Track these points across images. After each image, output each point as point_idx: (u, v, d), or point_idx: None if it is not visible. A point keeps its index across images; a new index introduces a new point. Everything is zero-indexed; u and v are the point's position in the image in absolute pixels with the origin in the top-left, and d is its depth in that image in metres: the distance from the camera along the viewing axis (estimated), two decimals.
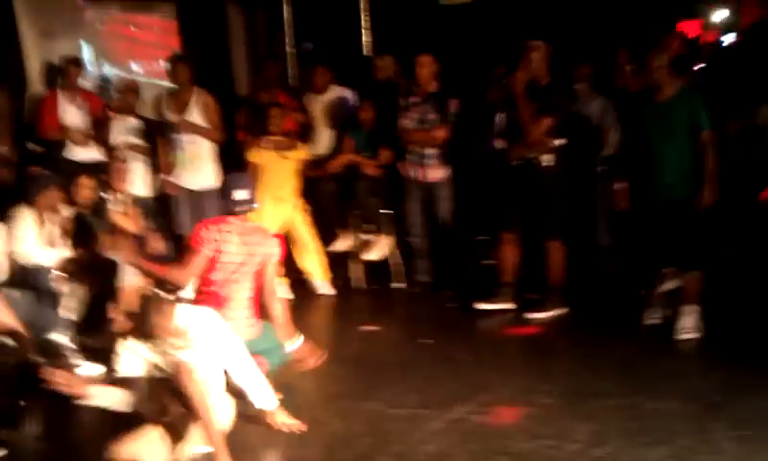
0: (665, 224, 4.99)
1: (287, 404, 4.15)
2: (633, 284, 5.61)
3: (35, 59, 7.47)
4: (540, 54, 5.36)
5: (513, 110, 5.42)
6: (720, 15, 11.22)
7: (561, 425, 3.90)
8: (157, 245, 6.02)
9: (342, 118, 6.95)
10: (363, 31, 8.50)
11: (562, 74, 5.61)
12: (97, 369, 5.03)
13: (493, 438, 3.83)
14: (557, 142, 5.42)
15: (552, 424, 3.93)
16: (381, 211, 6.57)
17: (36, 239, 5.21)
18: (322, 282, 6.56)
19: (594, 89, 6.44)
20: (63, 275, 5.25)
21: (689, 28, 9.06)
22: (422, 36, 7.52)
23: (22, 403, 4.14)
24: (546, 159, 5.41)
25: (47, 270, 5.12)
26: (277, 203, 6.41)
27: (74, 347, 5.11)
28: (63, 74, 6.63)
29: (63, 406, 4.15)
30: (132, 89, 6.83)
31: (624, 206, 5.38)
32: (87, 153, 6.50)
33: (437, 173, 6.24)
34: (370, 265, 6.64)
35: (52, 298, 5.07)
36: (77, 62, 6.75)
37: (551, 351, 5.08)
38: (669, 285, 5.15)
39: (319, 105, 7.05)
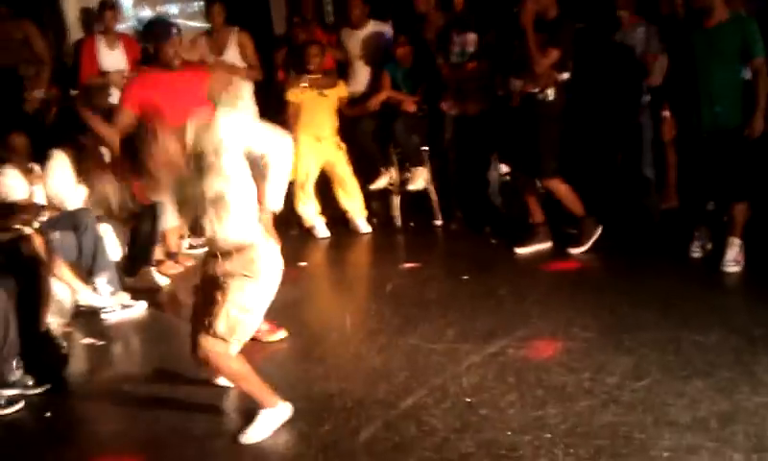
0: (712, 154, 4.86)
1: (328, 338, 4.21)
2: (677, 217, 5.51)
3: (73, 4, 7.52)
4: None
5: (521, 42, 5.29)
6: None
7: (599, 359, 3.89)
8: None
9: (379, 54, 6.86)
10: None
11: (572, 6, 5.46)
12: (140, 306, 5.18)
13: (531, 371, 3.83)
14: (562, 76, 5.30)
15: (590, 358, 3.91)
16: (420, 148, 6.52)
17: (71, 181, 5.31)
18: (360, 220, 6.58)
19: (638, 16, 6.23)
20: (103, 215, 5.36)
21: None
22: None
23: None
24: (548, 94, 5.30)
25: (87, 211, 5.22)
26: (317, 141, 6.42)
27: (117, 288, 5.24)
28: (101, 19, 6.65)
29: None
30: None
31: (671, 136, 5.25)
32: None
33: (476, 107, 6.17)
34: (408, 202, 6.61)
35: (94, 239, 5.17)
36: (113, 6, 6.76)
37: (591, 285, 5.03)
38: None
39: (356, 41, 6.96)
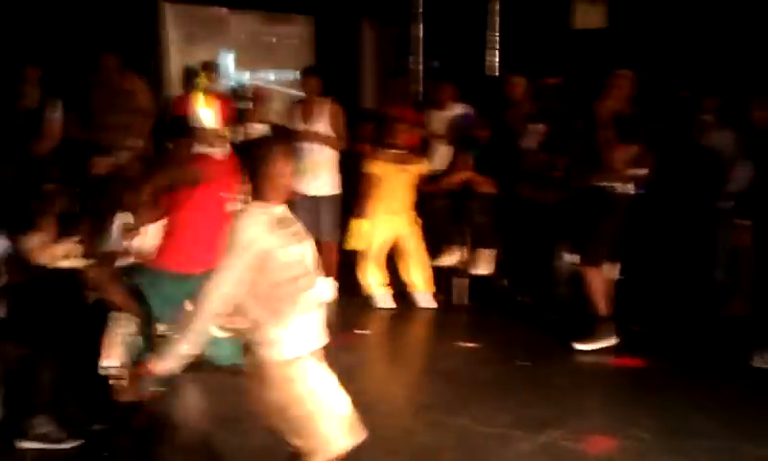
0: None
1: (377, 408, 4.23)
2: (746, 324, 5.37)
3: (177, 63, 7.96)
4: (627, 83, 5.27)
5: (591, 137, 5.33)
6: None
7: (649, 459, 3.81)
8: None
9: (461, 135, 6.99)
10: (490, 50, 8.55)
11: (654, 105, 5.49)
12: None
13: None
14: (639, 172, 5.29)
15: (645, 459, 3.83)
16: (492, 229, 6.57)
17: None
18: (425, 295, 6.63)
19: (722, 122, 6.22)
20: None
21: None
22: (551, 59, 7.47)
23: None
24: (621, 188, 5.29)
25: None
26: (391, 214, 6.55)
27: None
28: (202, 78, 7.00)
29: None
30: (263, 97, 7.12)
31: (746, 244, 5.16)
32: (220, 154, 6.82)
33: (550, 195, 6.21)
34: (473, 283, 6.64)
35: None
36: (215, 68, 7.11)
37: (653, 385, 4.92)
38: None
39: (440, 121, 7.13)
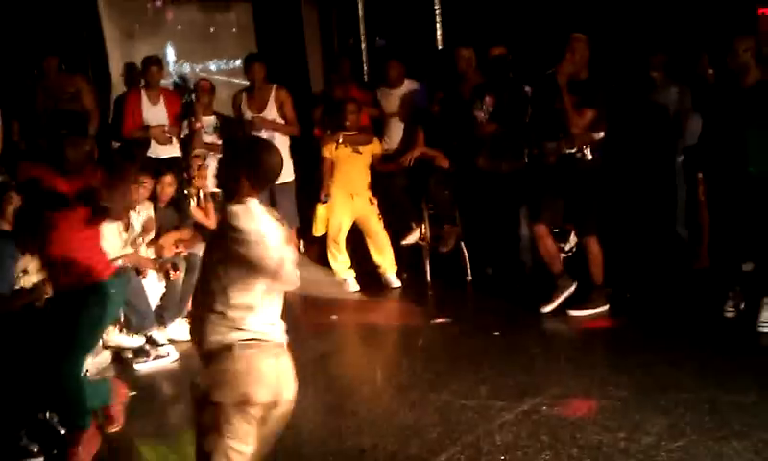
0: (747, 213, 4.85)
1: (359, 392, 4.20)
2: (710, 277, 5.48)
3: (117, 60, 7.75)
4: (582, 46, 5.29)
5: (554, 103, 5.34)
6: None
7: (635, 418, 3.85)
8: None
9: (413, 111, 6.97)
10: (437, 24, 8.50)
11: (607, 67, 5.51)
12: (173, 355, 5.27)
13: (565, 429, 3.81)
14: (598, 136, 5.32)
15: (626, 417, 3.88)
16: (453, 204, 6.58)
17: (116, 235, 5.41)
18: (391, 275, 6.62)
19: (670, 77, 6.30)
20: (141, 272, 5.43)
21: None
22: (494, 28, 7.45)
23: None
24: (586, 154, 5.32)
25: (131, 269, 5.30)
26: (350, 197, 6.52)
27: (163, 339, 5.33)
28: (145, 74, 6.83)
29: None
30: (207, 90, 6.99)
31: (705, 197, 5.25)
32: (168, 150, 6.70)
33: (509, 166, 6.22)
34: (439, 258, 6.65)
35: (135, 290, 5.26)
36: (158, 63, 6.95)
37: (625, 343, 5.00)
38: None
39: (392, 99, 7.08)
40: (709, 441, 3.57)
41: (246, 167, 2.75)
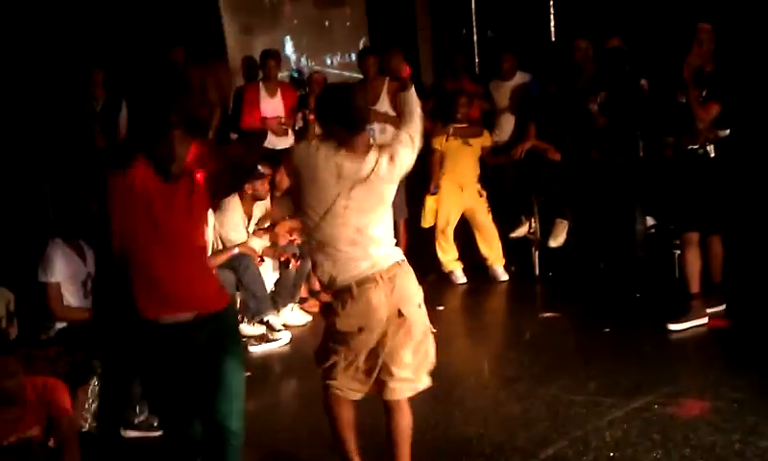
0: None
1: (466, 382, 4.23)
2: None
3: (236, 54, 8.03)
4: (708, 36, 5.07)
5: (675, 97, 5.13)
6: None
7: (750, 420, 3.75)
8: None
9: (526, 104, 6.93)
10: (551, 16, 8.41)
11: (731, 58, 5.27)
12: (285, 338, 5.44)
13: (677, 429, 3.74)
14: (723, 132, 5.08)
15: (741, 419, 3.78)
16: (563, 197, 6.51)
17: (241, 226, 5.64)
18: (499, 268, 6.61)
19: None
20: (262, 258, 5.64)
21: None
22: (609, 19, 7.30)
23: None
24: (710, 151, 5.07)
25: (251, 256, 5.52)
26: (459, 189, 6.55)
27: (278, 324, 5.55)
28: (263, 67, 7.05)
29: None
30: (320, 82, 7.16)
31: None
32: (284, 142, 6.90)
33: (621, 159, 6.10)
34: (550, 252, 6.59)
35: (257, 279, 5.47)
36: (276, 56, 7.16)
37: (741, 343, 4.84)
38: None
39: (504, 91, 7.07)
40: None
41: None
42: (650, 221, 6.31)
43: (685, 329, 5.05)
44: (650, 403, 4.03)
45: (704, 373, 4.42)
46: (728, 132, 5.10)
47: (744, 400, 3.98)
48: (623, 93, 6.05)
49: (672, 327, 5.07)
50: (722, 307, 5.25)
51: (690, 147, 5.12)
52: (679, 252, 5.46)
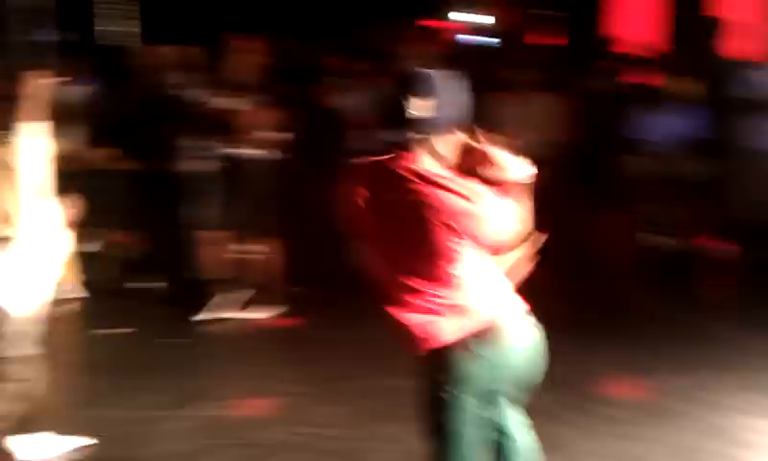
0: None
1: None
2: None
3: None
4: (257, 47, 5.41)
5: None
6: None
7: (311, 412, 3.95)
8: None
9: (91, 111, 6.57)
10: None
11: None
12: None
13: (230, 430, 3.79)
14: (276, 136, 5.36)
15: (300, 411, 3.97)
16: (130, 208, 6.31)
17: None
18: (70, 284, 6.17)
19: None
20: None
21: None
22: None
23: None
24: (251, 153, 5.31)
25: None
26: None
27: None
28: None
29: None
30: None
31: None
32: None
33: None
34: (122, 263, 6.31)
35: None
36: None
37: (298, 340, 5.10)
38: None
39: (70, 97, 6.62)
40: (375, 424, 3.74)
41: None
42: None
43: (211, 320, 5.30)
44: (203, 409, 4.03)
45: (260, 371, 4.55)
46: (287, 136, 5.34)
47: (302, 394, 4.17)
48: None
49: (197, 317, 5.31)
50: (282, 307, 5.45)
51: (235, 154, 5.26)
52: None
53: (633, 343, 4.79)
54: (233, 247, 5.51)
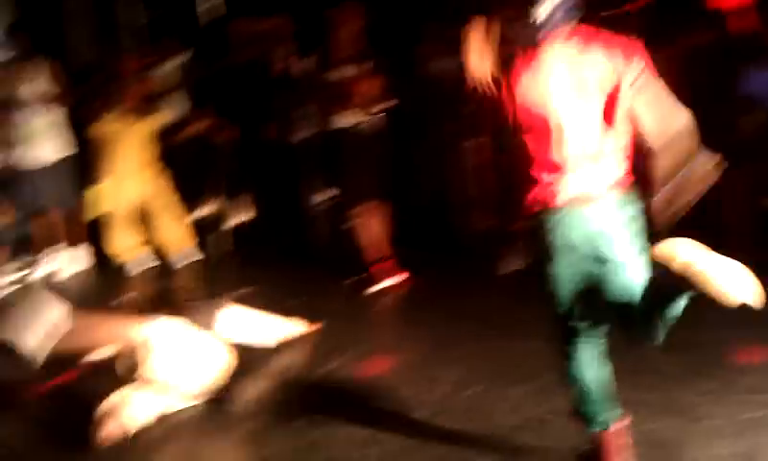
0: None
1: None
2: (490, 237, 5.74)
3: None
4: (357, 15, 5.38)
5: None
6: None
7: (430, 372, 3.98)
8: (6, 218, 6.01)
9: (195, 82, 6.76)
10: None
11: None
12: None
13: (362, 389, 3.89)
14: (381, 106, 5.37)
15: (421, 371, 4.01)
16: (239, 175, 6.49)
17: None
18: (184, 251, 6.39)
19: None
20: None
21: None
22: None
23: None
24: (368, 123, 5.35)
25: None
26: (131, 173, 6.19)
27: None
28: None
29: None
30: None
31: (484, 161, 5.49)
32: None
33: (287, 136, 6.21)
34: (234, 230, 6.53)
35: None
36: None
37: (421, 301, 5.16)
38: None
39: (165, 72, 6.82)
40: (498, 387, 3.75)
41: None
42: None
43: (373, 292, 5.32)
44: (335, 369, 4.13)
45: (386, 331, 4.69)
46: (391, 104, 5.39)
47: (423, 354, 4.23)
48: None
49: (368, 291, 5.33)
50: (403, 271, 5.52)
51: (347, 124, 5.32)
52: (348, 224, 5.69)
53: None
54: (349, 214, 5.62)
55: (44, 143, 6.16)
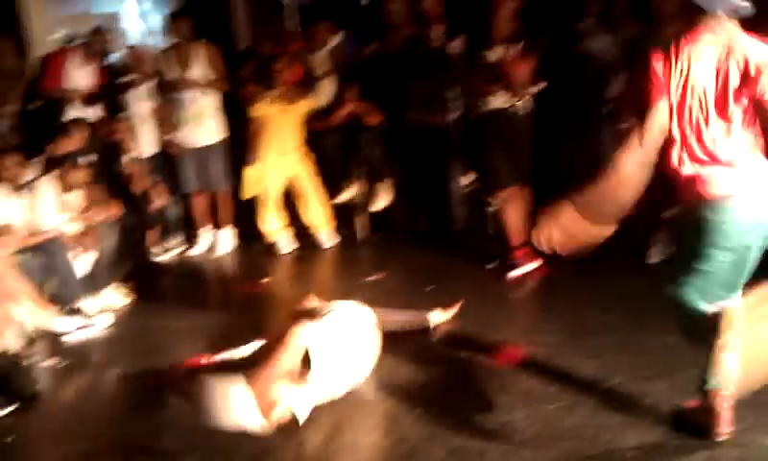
0: None
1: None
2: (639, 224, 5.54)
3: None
4: None
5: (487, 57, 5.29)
6: None
7: (569, 362, 3.95)
8: (161, 200, 6.19)
9: (344, 66, 6.88)
10: None
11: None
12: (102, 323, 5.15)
13: (495, 377, 3.89)
14: (534, 88, 5.29)
15: (560, 361, 3.97)
16: (384, 160, 6.57)
17: (55, 211, 5.26)
18: (326, 232, 6.59)
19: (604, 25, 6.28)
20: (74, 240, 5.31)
21: None
22: None
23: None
24: (519, 108, 5.27)
25: (61, 238, 5.17)
26: (282, 155, 6.42)
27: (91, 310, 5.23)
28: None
29: None
30: (142, 58, 6.85)
31: None
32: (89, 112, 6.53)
33: (438, 118, 6.21)
34: (374, 215, 6.63)
35: (68, 265, 5.15)
36: (98, 31, 6.84)
37: (556, 291, 5.07)
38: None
39: (320, 57, 6.98)
40: (637, 381, 3.68)
41: None
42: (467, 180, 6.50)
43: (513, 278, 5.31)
44: (468, 356, 4.15)
45: (520, 320, 4.65)
46: (543, 85, 5.28)
47: (557, 345, 4.19)
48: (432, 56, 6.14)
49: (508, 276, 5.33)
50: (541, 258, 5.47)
51: (501, 106, 5.27)
52: (492, 208, 5.65)
53: None
54: (493, 198, 5.58)
55: (204, 126, 6.50)
